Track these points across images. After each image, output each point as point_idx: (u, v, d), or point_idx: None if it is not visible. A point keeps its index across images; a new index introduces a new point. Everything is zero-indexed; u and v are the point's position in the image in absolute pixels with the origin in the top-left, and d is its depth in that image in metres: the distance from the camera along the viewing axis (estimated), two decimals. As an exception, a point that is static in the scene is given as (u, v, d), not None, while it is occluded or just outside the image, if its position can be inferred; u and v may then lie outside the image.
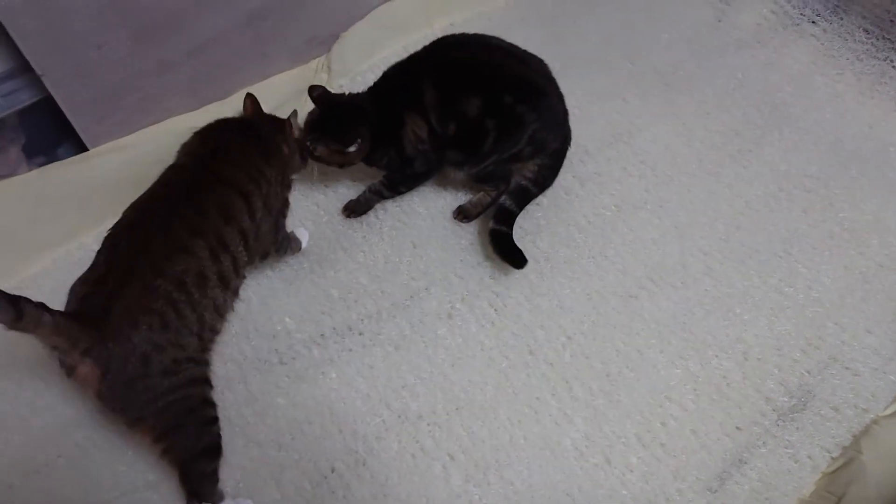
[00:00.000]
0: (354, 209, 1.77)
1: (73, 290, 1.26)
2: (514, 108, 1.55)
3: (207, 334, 1.35)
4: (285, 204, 1.57)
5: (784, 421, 1.48)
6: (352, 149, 1.58)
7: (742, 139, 1.88)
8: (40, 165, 1.69)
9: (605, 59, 2.04)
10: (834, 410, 1.49)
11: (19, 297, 1.11)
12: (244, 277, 1.44)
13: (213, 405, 1.36)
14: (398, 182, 1.72)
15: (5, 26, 1.36)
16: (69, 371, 1.20)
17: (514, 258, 1.60)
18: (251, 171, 1.42)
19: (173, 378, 1.26)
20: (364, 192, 1.76)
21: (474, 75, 1.57)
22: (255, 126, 1.52)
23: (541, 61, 1.64)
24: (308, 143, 1.59)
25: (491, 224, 1.62)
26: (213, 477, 1.35)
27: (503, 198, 1.64)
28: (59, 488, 1.42)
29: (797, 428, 1.47)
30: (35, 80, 1.52)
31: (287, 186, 1.56)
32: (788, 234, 1.72)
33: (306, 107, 1.91)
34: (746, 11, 2.13)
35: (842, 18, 2.10)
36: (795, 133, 1.89)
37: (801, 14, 2.12)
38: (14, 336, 1.57)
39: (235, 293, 1.41)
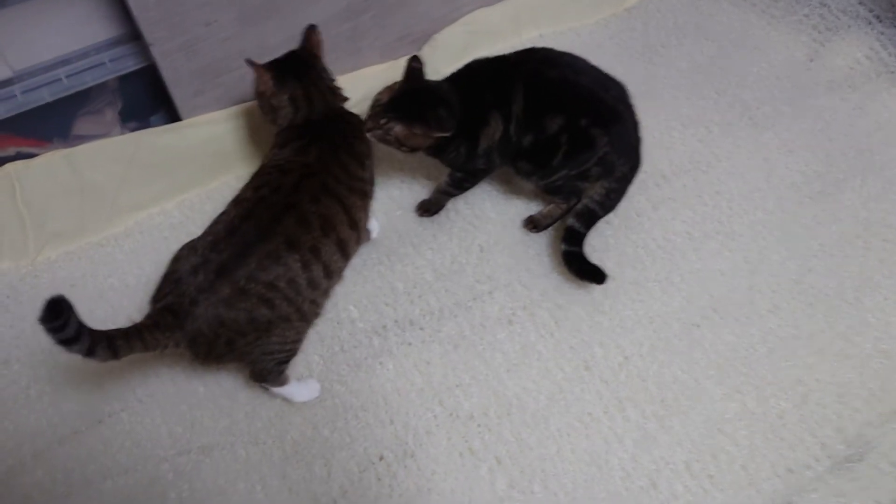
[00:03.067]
0: (427, 209, 1.80)
1: (176, 262, 1.34)
2: (588, 130, 1.56)
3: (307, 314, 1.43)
4: None
5: (839, 469, 1.45)
6: (440, 134, 1.51)
7: (823, 181, 1.86)
8: (133, 130, 1.76)
9: (691, 86, 2.03)
10: (893, 466, 1.45)
11: (115, 336, 1.21)
12: (340, 278, 1.49)
13: (293, 351, 1.47)
14: (461, 179, 1.72)
15: (127, -5, 1.43)
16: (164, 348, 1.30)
17: (593, 274, 1.60)
18: (354, 183, 1.47)
19: (259, 347, 1.36)
20: (434, 191, 1.79)
21: (561, 95, 1.58)
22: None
23: (622, 87, 1.64)
24: (383, 121, 1.50)
25: (563, 247, 1.63)
26: (281, 374, 1.47)
27: (571, 220, 1.65)
28: (120, 440, 1.49)
29: (852, 478, 1.44)
30: (141, 49, 1.59)
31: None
32: (862, 282, 1.69)
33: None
34: (841, 54, 2.10)
35: (939, 70, 2.05)
36: (879, 181, 1.85)
37: (898, 62, 2.09)
38: (93, 292, 1.66)
39: (326, 294, 1.46)
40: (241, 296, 1.28)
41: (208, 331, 1.28)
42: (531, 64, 1.61)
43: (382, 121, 1.50)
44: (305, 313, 1.40)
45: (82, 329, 1.16)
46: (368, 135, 1.51)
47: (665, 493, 1.43)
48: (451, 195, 1.77)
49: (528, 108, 1.56)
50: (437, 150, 1.62)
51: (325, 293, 1.46)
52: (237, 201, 1.40)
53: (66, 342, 1.14)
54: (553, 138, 1.57)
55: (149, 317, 1.29)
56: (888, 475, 1.44)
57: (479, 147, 1.60)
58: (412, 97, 1.53)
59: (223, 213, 1.38)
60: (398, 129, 1.50)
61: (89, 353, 1.18)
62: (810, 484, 1.44)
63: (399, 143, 1.54)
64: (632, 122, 1.65)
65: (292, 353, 1.46)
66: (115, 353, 1.21)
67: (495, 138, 1.59)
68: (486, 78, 1.61)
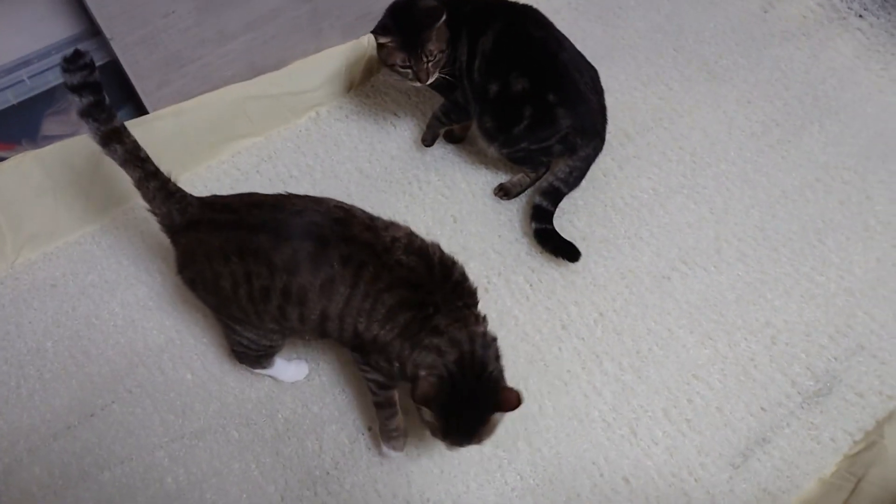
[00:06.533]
0: (425, 138, 1.85)
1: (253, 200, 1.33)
2: (553, 108, 1.59)
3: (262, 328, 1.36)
4: None
5: (809, 404, 1.52)
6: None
7: (782, 129, 1.91)
8: (101, 127, 1.76)
9: (650, 45, 2.06)
10: (858, 396, 1.52)
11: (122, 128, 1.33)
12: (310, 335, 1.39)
13: (248, 352, 1.45)
14: (448, 109, 1.75)
15: (82, -9, 1.43)
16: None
17: (567, 252, 1.64)
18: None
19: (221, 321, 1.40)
20: (430, 118, 1.82)
21: (535, 59, 1.60)
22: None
23: (596, 72, 1.67)
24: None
25: (533, 225, 1.67)
26: (247, 363, 1.51)
27: (538, 198, 1.68)
28: (113, 431, 1.51)
29: (821, 411, 1.51)
30: (102, 44, 1.59)
31: None
32: (823, 224, 1.75)
33: (358, 76, 1.96)
34: (794, 4, 2.14)
35: (889, 13, 2.10)
36: (836, 125, 1.91)
37: (849, 7, 2.13)
38: (74, 290, 1.68)
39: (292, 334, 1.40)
40: (219, 257, 1.25)
41: (182, 250, 1.32)
42: (517, 15, 1.64)
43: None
44: (241, 316, 1.32)
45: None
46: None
47: (645, 439, 1.49)
48: (440, 122, 1.79)
49: (496, 51, 1.59)
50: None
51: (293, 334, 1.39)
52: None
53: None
54: (517, 101, 1.59)
55: (177, 187, 1.34)
56: (855, 405, 1.51)
57: (457, 61, 1.62)
58: None
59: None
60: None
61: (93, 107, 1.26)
62: (783, 420, 1.51)
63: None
64: (599, 107, 1.68)
65: (248, 352, 1.44)
66: (110, 138, 1.32)
67: (463, 60, 1.62)
68: (473, 6, 1.63)
